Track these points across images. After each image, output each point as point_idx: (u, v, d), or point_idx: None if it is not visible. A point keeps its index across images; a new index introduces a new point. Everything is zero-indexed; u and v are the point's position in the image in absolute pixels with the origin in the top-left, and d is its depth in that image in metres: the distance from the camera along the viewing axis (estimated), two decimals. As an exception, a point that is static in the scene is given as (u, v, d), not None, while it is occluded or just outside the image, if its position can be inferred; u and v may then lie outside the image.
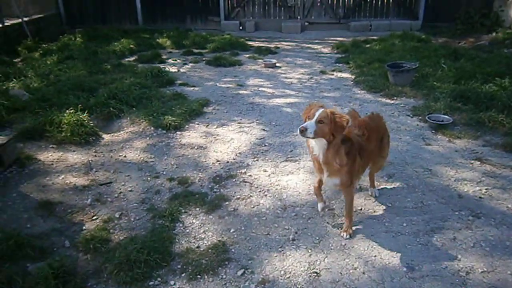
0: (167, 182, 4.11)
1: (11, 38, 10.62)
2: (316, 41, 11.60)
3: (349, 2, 12.70)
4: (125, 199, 3.85)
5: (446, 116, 5.38)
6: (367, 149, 3.28)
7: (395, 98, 6.46)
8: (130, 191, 3.98)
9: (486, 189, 3.85)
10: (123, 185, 4.08)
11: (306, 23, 12.93)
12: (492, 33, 11.08)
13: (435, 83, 6.82)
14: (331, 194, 3.83)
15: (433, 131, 5.15)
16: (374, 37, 11.15)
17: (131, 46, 10.33)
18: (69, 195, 3.90)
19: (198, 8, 13.21)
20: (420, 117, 5.59)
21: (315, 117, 2.90)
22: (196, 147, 4.84)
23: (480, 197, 3.72)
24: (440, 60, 7.98)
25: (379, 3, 12.67)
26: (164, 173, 4.29)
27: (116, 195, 3.90)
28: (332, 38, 11.77)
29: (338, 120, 2.92)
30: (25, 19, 11.46)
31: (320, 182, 3.41)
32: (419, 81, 7.01)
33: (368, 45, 10.34)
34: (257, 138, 5.04)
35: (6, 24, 10.91)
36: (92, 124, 5.20)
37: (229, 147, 4.84)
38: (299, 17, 12.95)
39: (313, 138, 2.95)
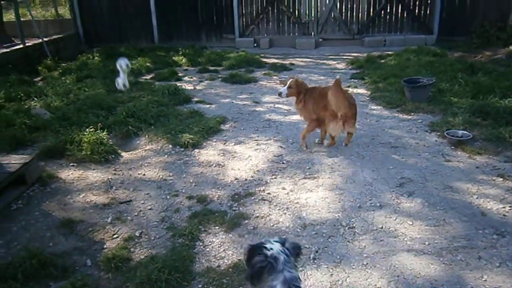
0: (186, 200, 4.12)
1: (32, 58, 10.93)
2: (331, 57, 11.63)
3: (362, 18, 12.75)
4: (145, 217, 3.87)
5: (465, 132, 5.32)
6: (312, 101, 5.13)
7: (412, 113, 6.42)
8: (149, 209, 4.01)
9: (510, 206, 3.78)
10: (142, 203, 4.11)
11: (320, 39, 12.99)
12: (508, 46, 10.97)
13: (452, 98, 6.78)
14: (351, 212, 3.80)
15: (452, 147, 5.09)
16: (389, 52, 11.14)
17: (148, 64, 10.51)
18: (90, 213, 3.94)
19: (213, 26, 13.39)
20: (438, 133, 5.54)
21: (287, 85, 5.20)
22: (214, 165, 4.86)
23: (504, 215, 3.66)
24: (456, 75, 7.93)
25: (393, 18, 12.68)
26: (183, 191, 4.31)
27: (136, 214, 3.93)
28: (346, 54, 11.80)
29: (300, 84, 5.21)
30: (45, 39, 11.79)
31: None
32: (436, 96, 6.97)
33: (383, 60, 10.34)
34: (274, 155, 5.05)
35: (27, 44, 11.24)
36: (111, 143, 5.28)
37: (247, 164, 4.85)
38: (313, 33, 13.04)
39: (287, 97, 5.34)
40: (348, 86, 8.26)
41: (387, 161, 4.75)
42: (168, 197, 4.21)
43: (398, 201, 3.92)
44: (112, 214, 3.92)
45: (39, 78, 9.77)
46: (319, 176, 4.48)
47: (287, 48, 12.95)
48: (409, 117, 6.31)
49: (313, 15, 13.00)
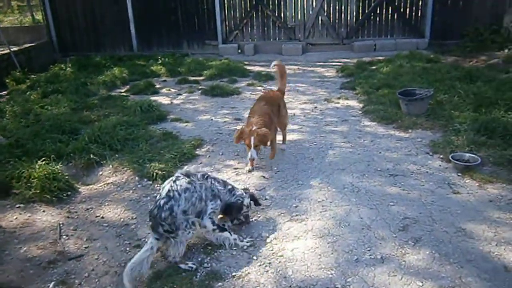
0: (149, 253, 3.43)
1: (-1, 69, 10.16)
2: (319, 63, 11.00)
3: (351, 21, 12.12)
4: (96, 280, 3.17)
5: (472, 155, 4.68)
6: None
7: (409, 130, 5.79)
8: (103, 265, 3.31)
9: (536, 256, 3.15)
10: (96, 258, 3.41)
11: (308, 45, 12.36)
12: (504, 50, 10.45)
13: (452, 111, 6.18)
14: (347, 268, 3.13)
15: (459, 174, 4.46)
16: (380, 58, 10.55)
17: (124, 75, 9.81)
18: (29, 276, 3.22)
19: (195, 32, 12.68)
20: (441, 156, 4.90)
21: (252, 145, 4.55)
22: (185, 203, 4.17)
23: (531, 269, 3.02)
24: (454, 84, 7.35)
25: (384, 21, 12.08)
26: (146, 240, 3.60)
27: (86, 274, 3.22)
28: (335, 60, 11.17)
29: (262, 136, 4.53)
30: (14, 48, 11.03)
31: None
32: (434, 109, 6.36)
33: (374, 67, 9.74)
34: (256, 189, 4.35)
35: (-6, 55, 10.46)
36: (67, 177, 4.54)
37: (224, 201, 4.16)
38: (299, 38, 12.39)
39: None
40: (339, 98, 7.64)
41: (386, 195, 4.09)
42: (127, 249, 3.51)
43: (403, 251, 3.26)
44: (57, 276, 3.21)
45: (5, 92, 9.00)
46: (308, 218, 3.80)
47: (273, 54, 12.29)
48: (407, 135, 5.68)
49: (299, 18, 12.36)
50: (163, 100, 7.95)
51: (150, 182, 4.56)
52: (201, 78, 9.67)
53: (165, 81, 9.67)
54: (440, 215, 3.71)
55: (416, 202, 3.93)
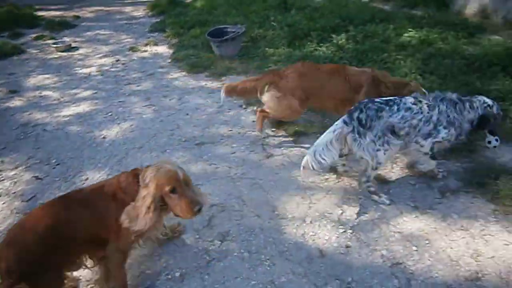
0: None
1: None
2: (128, 1, 9.50)
3: None
4: None
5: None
6: None
7: (223, 78, 5.11)
8: None
9: (351, 232, 2.77)
10: None
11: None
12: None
13: (267, 48, 5.65)
14: None
15: (274, 130, 3.95)
16: (195, -11, 9.51)
17: None
18: None
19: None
20: (255, 108, 4.31)
21: None
22: None
23: (342, 253, 2.63)
24: (269, 14, 6.82)
25: None
26: None
27: None
28: (145, -6, 9.78)
29: None
30: None
31: None
32: (248, 48, 5.77)
33: (188, 0, 8.72)
34: (22, 201, 3.22)
35: None
36: None
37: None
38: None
39: None
40: (146, 44, 6.55)
41: (190, 176, 3.34)
42: None
43: (208, 258, 2.57)
44: None
45: None
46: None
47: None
48: (220, 84, 4.98)
49: None
50: None
51: None
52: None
53: None
54: (252, 192, 3.12)
55: (224, 179, 3.28)
